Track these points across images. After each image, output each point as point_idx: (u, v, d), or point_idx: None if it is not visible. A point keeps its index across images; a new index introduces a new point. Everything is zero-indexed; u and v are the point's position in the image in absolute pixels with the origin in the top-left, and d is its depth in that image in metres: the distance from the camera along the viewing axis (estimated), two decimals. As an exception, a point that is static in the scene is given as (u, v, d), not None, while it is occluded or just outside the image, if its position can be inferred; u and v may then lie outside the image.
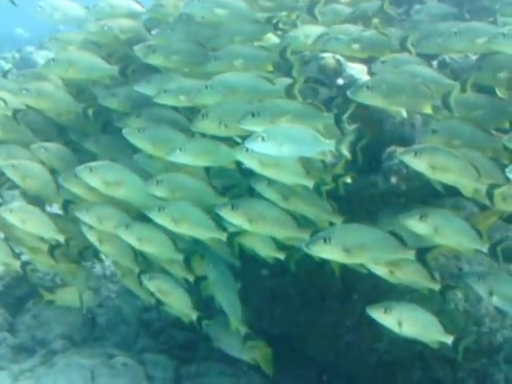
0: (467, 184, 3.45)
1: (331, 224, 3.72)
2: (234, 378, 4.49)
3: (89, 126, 4.31)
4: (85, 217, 3.95)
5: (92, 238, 4.05)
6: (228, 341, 4.16)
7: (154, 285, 3.98)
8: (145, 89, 3.97)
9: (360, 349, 4.25)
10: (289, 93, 3.60)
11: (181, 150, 3.69)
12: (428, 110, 3.61)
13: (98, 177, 3.84)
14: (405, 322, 3.53)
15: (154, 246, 3.88)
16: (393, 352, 4.16)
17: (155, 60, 4.04)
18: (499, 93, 3.81)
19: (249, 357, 4.12)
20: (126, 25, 4.40)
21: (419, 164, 3.41)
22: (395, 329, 3.55)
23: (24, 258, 4.60)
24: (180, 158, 3.69)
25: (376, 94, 3.55)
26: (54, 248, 4.23)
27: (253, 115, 3.41)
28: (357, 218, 3.69)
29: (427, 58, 4.03)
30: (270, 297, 4.37)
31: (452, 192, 3.68)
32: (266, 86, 3.64)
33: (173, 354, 4.76)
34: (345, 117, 3.48)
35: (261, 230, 3.65)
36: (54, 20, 4.62)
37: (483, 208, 3.73)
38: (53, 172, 4.18)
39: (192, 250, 3.98)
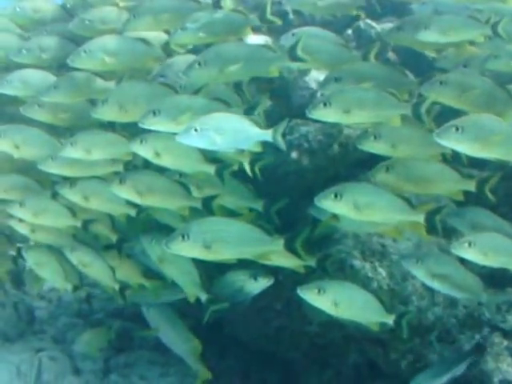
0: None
1: (251, 210, 3.59)
2: (164, 368, 4.38)
3: None
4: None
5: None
6: (169, 332, 4.05)
7: (76, 257, 3.87)
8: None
9: (291, 333, 4.11)
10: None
11: (71, 144, 3.55)
12: (397, 122, 3.33)
13: None
14: (341, 303, 3.33)
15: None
16: (325, 335, 4.02)
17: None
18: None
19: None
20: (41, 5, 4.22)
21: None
22: (331, 311, 3.35)
23: None
24: (72, 153, 3.55)
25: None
26: None
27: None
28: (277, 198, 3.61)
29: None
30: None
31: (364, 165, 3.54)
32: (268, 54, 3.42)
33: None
34: (423, 109, 3.26)
35: (151, 203, 3.51)
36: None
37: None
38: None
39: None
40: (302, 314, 3.97)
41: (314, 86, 3.80)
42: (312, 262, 3.49)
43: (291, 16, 4.19)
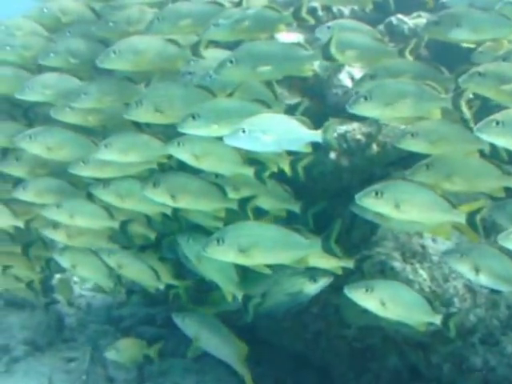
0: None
1: (288, 212, 3.51)
2: (199, 375, 4.30)
3: None
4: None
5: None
6: (211, 338, 3.90)
7: (114, 259, 3.80)
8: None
9: (328, 337, 4.02)
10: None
11: (106, 146, 3.47)
12: (437, 115, 3.27)
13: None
14: (388, 302, 3.25)
15: None
16: (363, 339, 3.94)
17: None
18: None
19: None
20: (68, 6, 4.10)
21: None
22: (378, 310, 3.27)
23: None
24: (107, 155, 3.48)
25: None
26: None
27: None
28: (315, 199, 3.53)
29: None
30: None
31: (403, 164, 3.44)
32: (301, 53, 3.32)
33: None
34: (461, 102, 3.20)
35: (185, 205, 3.44)
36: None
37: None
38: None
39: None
40: (339, 318, 3.90)
41: (348, 83, 3.70)
42: (350, 264, 3.43)
43: (320, 12, 4.10)
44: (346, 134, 3.54)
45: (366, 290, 3.24)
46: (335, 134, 3.42)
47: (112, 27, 3.87)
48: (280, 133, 3.09)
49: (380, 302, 3.24)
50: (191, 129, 3.18)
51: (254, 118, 3.09)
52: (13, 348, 4.69)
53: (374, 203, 3.16)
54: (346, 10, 4.14)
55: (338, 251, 3.27)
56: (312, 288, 3.62)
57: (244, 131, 3.04)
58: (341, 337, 3.99)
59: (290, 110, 3.27)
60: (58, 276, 4.44)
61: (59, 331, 4.90)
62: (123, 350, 4.14)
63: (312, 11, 3.99)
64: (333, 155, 3.55)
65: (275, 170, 3.36)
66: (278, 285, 3.66)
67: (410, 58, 3.56)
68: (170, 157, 3.49)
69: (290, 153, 3.29)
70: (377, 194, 3.14)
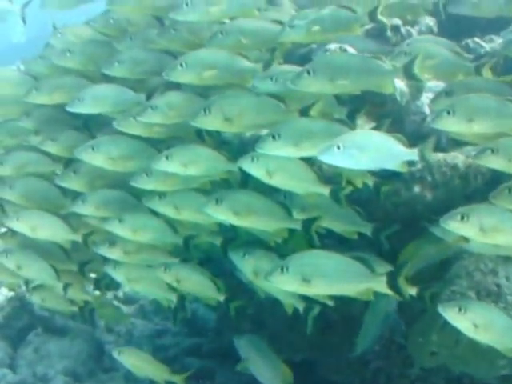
0: None
1: (360, 235, 3.34)
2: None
3: None
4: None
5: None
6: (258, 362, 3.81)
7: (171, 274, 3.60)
8: None
9: (389, 375, 3.87)
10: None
11: (167, 158, 3.33)
12: None
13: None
14: (481, 325, 3.04)
15: None
16: (426, 379, 3.76)
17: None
18: None
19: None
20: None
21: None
22: (469, 332, 3.06)
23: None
24: (166, 167, 3.33)
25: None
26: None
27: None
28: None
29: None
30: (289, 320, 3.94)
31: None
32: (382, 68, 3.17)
33: (187, 385, 4.35)
34: None
35: (248, 224, 3.29)
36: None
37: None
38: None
39: None
40: (402, 356, 3.77)
41: (426, 110, 3.55)
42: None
43: (388, 33, 3.96)
44: (431, 166, 3.37)
45: (460, 310, 3.04)
46: (419, 166, 3.29)
47: (173, 35, 3.71)
48: (376, 150, 2.94)
49: (472, 323, 3.04)
50: (271, 150, 3.06)
51: (348, 134, 2.96)
52: (52, 378, 4.52)
53: (459, 227, 3.00)
54: (414, 31, 4.01)
55: (405, 289, 3.08)
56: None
57: (339, 147, 2.88)
58: (403, 376, 3.83)
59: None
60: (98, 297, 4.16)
61: (99, 360, 4.72)
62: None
63: (380, 31, 3.88)
64: (417, 188, 3.37)
65: (351, 189, 3.21)
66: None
67: (488, 75, 3.42)
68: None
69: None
70: (462, 217, 2.99)
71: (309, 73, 3.12)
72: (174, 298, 3.71)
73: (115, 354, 3.91)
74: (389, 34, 3.94)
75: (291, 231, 3.31)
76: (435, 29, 4.08)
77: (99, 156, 3.55)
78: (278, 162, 3.13)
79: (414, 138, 3.30)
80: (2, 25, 5.06)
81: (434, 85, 3.62)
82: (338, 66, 3.14)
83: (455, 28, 4.08)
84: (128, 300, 5.31)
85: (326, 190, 3.16)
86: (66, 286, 3.81)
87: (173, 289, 3.67)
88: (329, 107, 3.25)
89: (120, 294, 5.22)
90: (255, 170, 3.16)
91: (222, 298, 3.60)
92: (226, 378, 4.30)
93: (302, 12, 3.41)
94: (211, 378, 4.38)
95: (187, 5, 3.51)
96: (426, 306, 3.25)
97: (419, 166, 3.33)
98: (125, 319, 4.64)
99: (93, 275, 4.06)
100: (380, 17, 3.39)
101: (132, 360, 3.89)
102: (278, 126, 3.09)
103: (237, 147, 3.51)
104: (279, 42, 3.41)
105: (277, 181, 3.17)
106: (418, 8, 4.08)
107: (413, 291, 3.05)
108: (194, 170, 3.36)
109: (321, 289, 3.07)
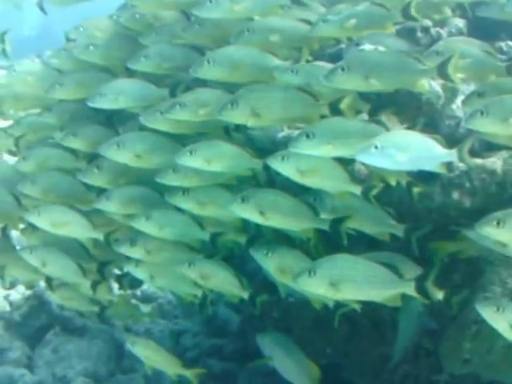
0: None
1: (392, 236, 3.26)
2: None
3: None
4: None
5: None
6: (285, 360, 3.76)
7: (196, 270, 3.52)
8: None
9: (417, 380, 3.79)
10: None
11: (191, 152, 3.28)
12: None
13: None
14: None
15: None
16: (456, 385, 3.70)
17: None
18: None
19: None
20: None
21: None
22: (506, 333, 2.99)
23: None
24: (189, 162, 3.28)
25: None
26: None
27: None
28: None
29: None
30: (316, 324, 3.92)
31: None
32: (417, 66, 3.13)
33: (207, 387, 4.28)
34: None
35: (274, 223, 3.24)
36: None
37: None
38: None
39: None
40: (430, 362, 3.69)
41: (460, 114, 3.46)
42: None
43: (419, 34, 3.89)
44: (470, 172, 3.30)
45: (497, 309, 2.98)
46: (457, 172, 3.22)
47: (198, 30, 3.66)
48: (415, 151, 2.88)
49: (509, 324, 2.97)
50: (305, 148, 2.99)
51: (387, 134, 2.91)
52: (71, 379, 4.44)
53: (495, 232, 2.93)
54: (444, 32, 3.94)
55: (433, 293, 3.01)
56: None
57: (377, 147, 2.82)
58: (431, 381, 3.75)
59: None
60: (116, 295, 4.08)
61: (118, 360, 4.66)
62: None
63: (410, 32, 3.82)
64: (456, 196, 3.30)
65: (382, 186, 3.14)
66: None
67: None
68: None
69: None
70: (498, 223, 2.91)
71: (343, 69, 3.07)
72: (198, 293, 3.65)
73: (129, 345, 3.88)
74: (419, 34, 3.88)
75: (317, 231, 3.27)
76: (465, 30, 4.01)
77: (125, 153, 3.49)
78: (309, 160, 3.07)
79: (449, 142, 3.25)
80: (15, 17, 5.01)
81: (465, 87, 3.57)
82: (373, 63, 3.10)
83: (482, 31, 4.01)
84: (146, 299, 5.24)
85: (357, 189, 3.11)
86: (94, 285, 3.73)
87: (197, 285, 3.62)
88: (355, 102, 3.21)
89: (138, 292, 5.15)
90: (286, 169, 3.11)
91: (246, 296, 3.53)
92: (248, 381, 4.23)
93: (335, 7, 3.35)
94: (233, 381, 4.32)
95: (211, 1, 3.47)
96: (453, 310, 3.22)
97: (457, 171, 3.26)
98: (147, 317, 4.57)
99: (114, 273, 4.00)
100: (414, 14, 3.34)
101: (145, 351, 3.84)
102: (312, 125, 3.04)
103: (267, 147, 3.45)
104: (312, 36, 3.37)
105: (308, 180, 3.12)
106: (443, 7, 3.99)
107: (440, 295, 3.00)
108: (217, 166, 3.32)
109: (348, 294, 3.04)
